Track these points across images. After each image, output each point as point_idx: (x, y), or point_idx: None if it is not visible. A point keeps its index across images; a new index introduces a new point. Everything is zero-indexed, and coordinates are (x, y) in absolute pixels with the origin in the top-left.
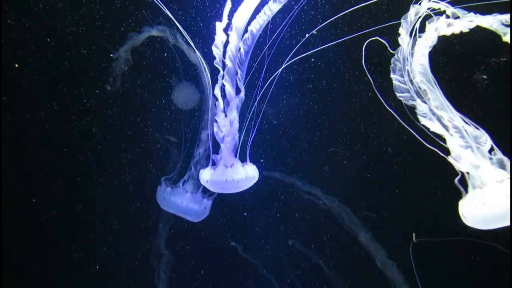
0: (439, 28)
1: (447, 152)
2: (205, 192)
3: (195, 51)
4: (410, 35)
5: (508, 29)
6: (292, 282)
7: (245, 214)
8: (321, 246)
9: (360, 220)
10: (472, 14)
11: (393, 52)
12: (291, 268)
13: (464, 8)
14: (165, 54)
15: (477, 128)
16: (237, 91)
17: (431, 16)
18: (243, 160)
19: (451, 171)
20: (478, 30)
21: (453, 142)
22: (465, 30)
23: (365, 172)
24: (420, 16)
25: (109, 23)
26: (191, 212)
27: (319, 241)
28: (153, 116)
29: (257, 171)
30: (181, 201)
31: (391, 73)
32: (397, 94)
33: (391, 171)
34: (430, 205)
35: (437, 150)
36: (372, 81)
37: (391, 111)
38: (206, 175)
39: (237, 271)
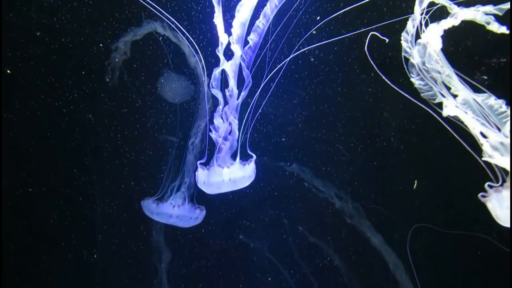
0: (434, 32)
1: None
2: (195, 201)
3: (196, 54)
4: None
5: (490, 17)
6: (301, 277)
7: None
8: (328, 243)
9: (370, 221)
10: (456, 7)
11: (386, 42)
12: (301, 261)
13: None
14: (161, 41)
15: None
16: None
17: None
18: (242, 158)
19: (459, 165)
20: (477, 31)
21: (485, 143)
22: (451, 25)
23: (371, 167)
24: (420, 23)
25: (103, 17)
26: (182, 222)
27: (326, 237)
28: (151, 104)
29: (254, 170)
30: (170, 215)
31: (411, 79)
32: (422, 95)
33: (398, 165)
34: (439, 199)
35: (466, 146)
36: (376, 67)
37: (411, 98)
38: (202, 177)
39: (243, 262)
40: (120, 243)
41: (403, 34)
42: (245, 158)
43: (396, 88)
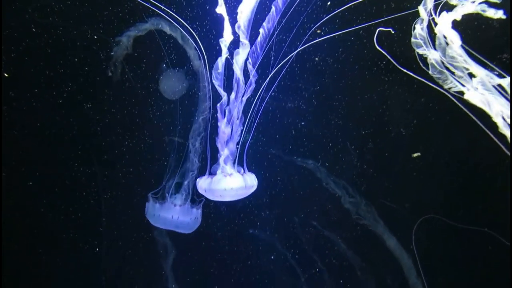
0: (447, 26)
1: None
2: (194, 202)
3: (197, 46)
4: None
5: (484, 5)
6: (313, 272)
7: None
8: (339, 239)
9: (380, 216)
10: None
11: (393, 33)
12: (315, 256)
13: None
14: (164, 37)
15: None
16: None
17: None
18: (242, 164)
19: (472, 158)
20: (488, 25)
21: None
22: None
23: (382, 160)
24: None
25: (105, 10)
26: (183, 225)
27: (337, 232)
28: (152, 93)
29: (256, 179)
30: (171, 216)
31: (432, 74)
32: (445, 86)
33: (409, 158)
34: (449, 193)
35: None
36: (389, 56)
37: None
38: (203, 184)
39: (253, 256)
40: (123, 236)
41: (413, 40)
42: (249, 163)
43: (413, 75)
